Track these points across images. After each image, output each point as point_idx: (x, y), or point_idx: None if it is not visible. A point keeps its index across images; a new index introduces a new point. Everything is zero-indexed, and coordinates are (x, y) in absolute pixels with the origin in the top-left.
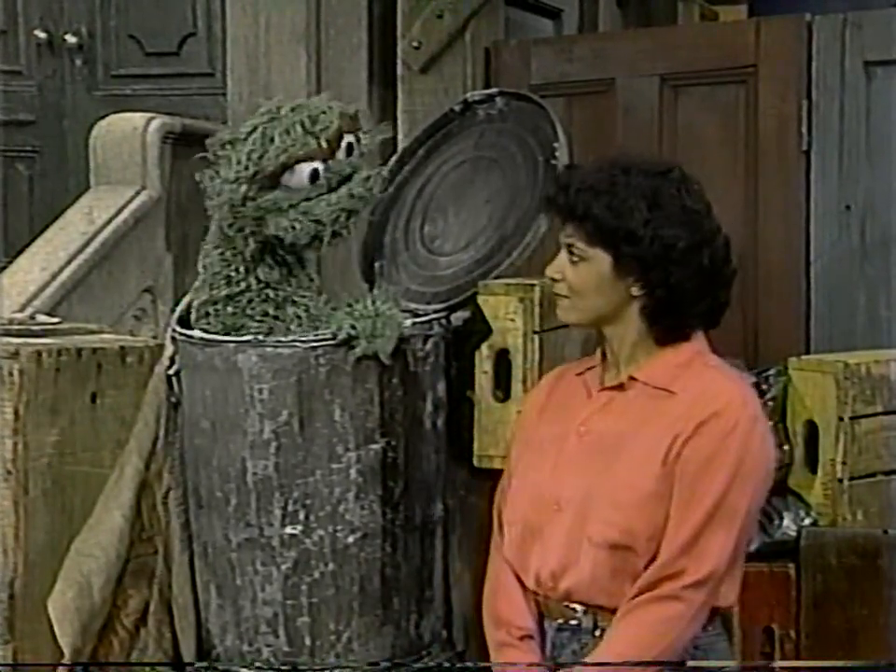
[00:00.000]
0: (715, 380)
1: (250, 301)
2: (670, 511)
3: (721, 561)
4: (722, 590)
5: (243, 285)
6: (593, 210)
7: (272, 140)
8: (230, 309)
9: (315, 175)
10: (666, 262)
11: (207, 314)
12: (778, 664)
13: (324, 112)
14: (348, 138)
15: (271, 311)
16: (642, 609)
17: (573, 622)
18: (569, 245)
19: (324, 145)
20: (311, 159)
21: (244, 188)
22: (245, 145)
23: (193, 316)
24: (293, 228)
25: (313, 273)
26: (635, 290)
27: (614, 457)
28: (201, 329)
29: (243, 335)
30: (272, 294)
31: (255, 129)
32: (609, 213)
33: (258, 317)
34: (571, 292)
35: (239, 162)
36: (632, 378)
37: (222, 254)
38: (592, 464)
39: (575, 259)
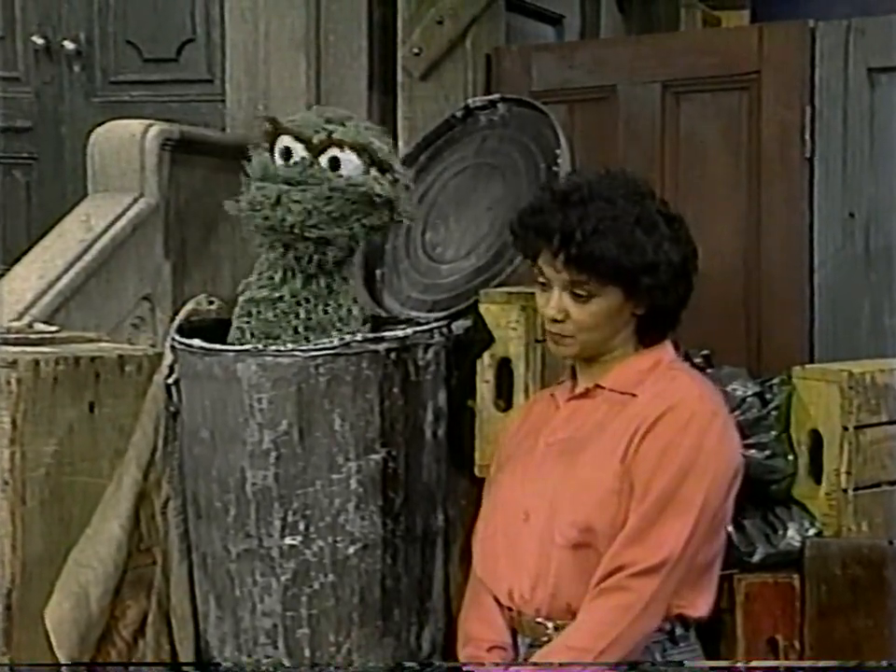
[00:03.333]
0: (675, 379)
1: (285, 313)
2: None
3: (675, 550)
4: (689, 596)
5: (277, 293)
6: (608, 253)
7: None
8: (270, 315)
9: (287, 151)
10: (675, 280)
11: (249, 313)
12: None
13: (335, 121)
14: (337, 152)
15: (301, 328)
16: (594, 600)
17: (544, 638)
18: (576, 284)
19: (309, 135)
20: (293, 137)
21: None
22: None
23: (236, 312)
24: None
25: (352, 300)
26: (639, 310)
27: (576, 460)
28: (240, 326)
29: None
30: (302, 313)
31: None
32: (623, 250)
33: (290, 331)
34: (580, 329)
35: None
36: (598, 386)
37: (269, 254)
38: (557, 471)
39: (582, 296)
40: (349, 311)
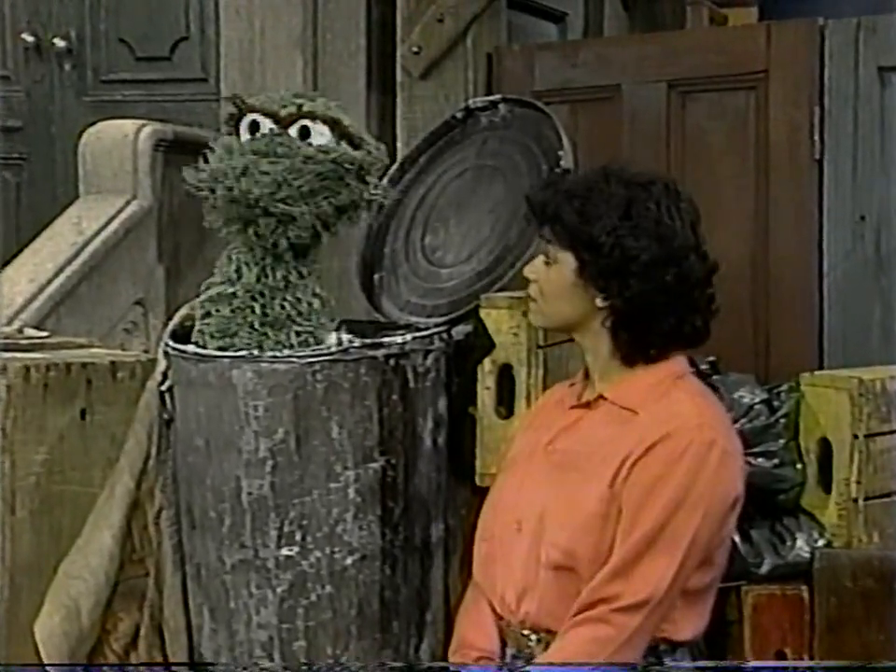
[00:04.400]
0: (679, 401)
1: (241, 309)
2: (616, 534)
3: (660, 587)
4: (677, 620)
5: (232, 288)
6: (562, 213)
7: None
8: (226, 311)
9: (254, 126)
10: (626, 274)
11: (209, 313)
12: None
13: (304, 95)
14: (307, 123)
15: (257, 324)
16: (573, 629)
17: (527, 650)
18: (546, 245)
19: (277, 109)
20: (261, 113)
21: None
22: None
23: (198, 314)
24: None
25: (311, 294)
26: (598, 301)
27: (568, 477)
28: (200, 328)
29: (234, 344)
30: (258, 308)
31: None
32: (578, 217)
33: (247, 328)
34: (540, 294)
35: None
36: (601, 397)
37: (228, 251)
38: (549, 483)
39: (549, 260)
40: (309, 304)
